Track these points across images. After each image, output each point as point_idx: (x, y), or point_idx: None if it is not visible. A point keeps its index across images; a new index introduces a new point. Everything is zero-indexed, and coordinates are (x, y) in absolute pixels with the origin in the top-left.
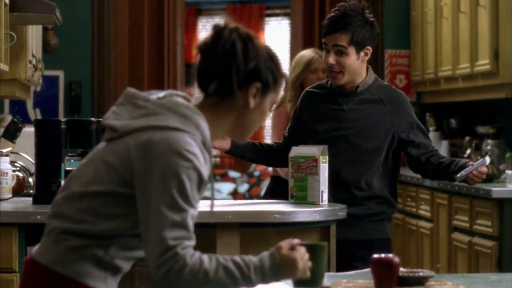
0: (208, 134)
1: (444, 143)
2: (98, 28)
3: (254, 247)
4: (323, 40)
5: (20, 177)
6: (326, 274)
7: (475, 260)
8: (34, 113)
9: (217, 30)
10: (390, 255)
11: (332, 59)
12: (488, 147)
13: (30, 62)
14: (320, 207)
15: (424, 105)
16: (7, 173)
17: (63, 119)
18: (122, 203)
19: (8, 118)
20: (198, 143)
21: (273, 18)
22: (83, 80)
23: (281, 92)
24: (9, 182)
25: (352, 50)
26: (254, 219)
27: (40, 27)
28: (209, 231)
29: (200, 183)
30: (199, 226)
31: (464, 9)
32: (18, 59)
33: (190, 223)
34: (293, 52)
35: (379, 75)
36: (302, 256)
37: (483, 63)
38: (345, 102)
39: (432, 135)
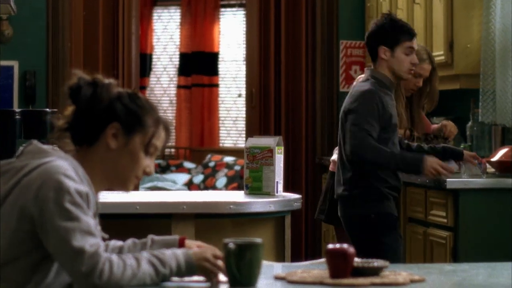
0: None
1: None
2: (53, 18)
3: (209, 238)
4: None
5: None
6: (281, 264)
7: (429, 251)
8: None
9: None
10: (345, 245)
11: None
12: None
13: None
14: (275, 198)
15: None
16: None
17: (17, 110)
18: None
19: None
20: (70, 164)
21: (228, 9)
22: (37, 71)
23: (162, 135)
24: None
25: None
26: (209, 209)
27: None
28: (165, 222)
29: (83, 195)
30: (154, 216)
31: (419, 0)
32: None
33: (96, 232)
34: (248, 44)
35: (334, 66)
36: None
37: (438, 54)
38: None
39: None
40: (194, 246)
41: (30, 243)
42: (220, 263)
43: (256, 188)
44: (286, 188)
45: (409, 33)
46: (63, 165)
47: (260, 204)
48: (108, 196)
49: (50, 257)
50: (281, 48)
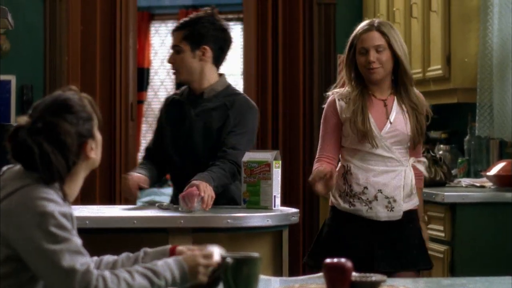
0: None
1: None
2: (50, 32)
3: None
4: None
5: None
6: (279, 278)
7: None
8: None
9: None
10: (343, 259)
11: None
12: (440, 152)
13: None
14: (273, 212)
15: None
16: None
17: (15, 124)
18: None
19: None
20: (50, 188)
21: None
22: (34, 85)
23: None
24: None
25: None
26: (206, 224)
27: None
28: (161, 236)
29: (67, 216)
30: (151, 231)
31: (416, 14)
32: None
33: (84, 250)
34: (246, 57)
35: (331, 80)
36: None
37: (435, 68)
38: (193, 107)
39: None
40: (186, 251)
41: (13, 267)
42: (213, 261)
43: (253, 202)
44: (284, 202)
45: None
46: (43, 188)
47: (257, 218)
48: (105, 211)
49: (34, 278)
50: (278, 62)
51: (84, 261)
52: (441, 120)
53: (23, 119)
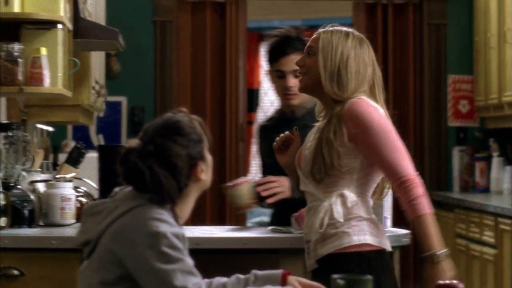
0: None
1: (508, 169)
2: (161, 54)
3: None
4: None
5: (84, 202)
6: None
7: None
8: (97, 139)
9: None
10: (455, 281)
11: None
12: None
13: (93, 88)
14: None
15: (487, 130)
16: (70, 198)
17: (125, 145)
18: None
19: (72, 144)
20: (162, 208)
21: None
22: (145, 106)
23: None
24: (73, 208)
25: None
26: None
27: (103, 53)
28: (272, 257)
29: (179, 237)
30: (261, 251)
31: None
32: (82, 85)
33: (196, 270)
34: None
35: (441, 101)
36: None
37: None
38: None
39: (496, 160)
40: (296, 283)
41: (126, 286)
42: None
43: None
44: (394, 224)
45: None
46: (156, 209)
47: None
48: (215, 232)
49: None
50: (388, 83)
51: (196, 281)
52: None
53: (134, 142)
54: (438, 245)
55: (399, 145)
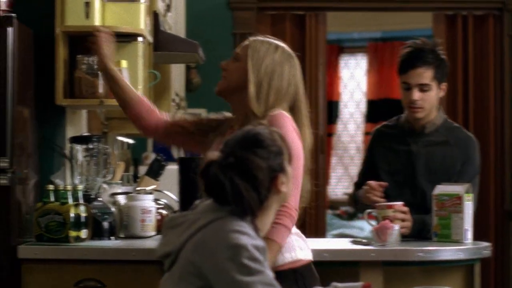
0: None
1: None
2: None
3: (397, 286)
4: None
5: (164, 214)
6: None
7: None
8: (177, 151)
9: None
10: None
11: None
12: None
13: (173, 100)
14: (464, 246)
15: None
16: (150, 210)
17: (206, 157)
18: None
19: (152, 156)
20: (243, 221)
21: None
22: None
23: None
24: (153, 220)
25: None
26: (397, 257)
27: (183, 66)
28: (352, 269)
29: (260, 249)
30: (341, 264)
31: None
32: (162, 97)
33: (276, 283)
34: None
35: None
36: None
37: None
38: (414, 143)
39: None
40: None
41: None
42: None
43: (444, 235)
44: (475, 236)
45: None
46: (236, 221)
47: (449, 251)
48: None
49: None
50: (468, 94)
51: None
52: None
53: (215, 154)
54: None
55: (299, 174)
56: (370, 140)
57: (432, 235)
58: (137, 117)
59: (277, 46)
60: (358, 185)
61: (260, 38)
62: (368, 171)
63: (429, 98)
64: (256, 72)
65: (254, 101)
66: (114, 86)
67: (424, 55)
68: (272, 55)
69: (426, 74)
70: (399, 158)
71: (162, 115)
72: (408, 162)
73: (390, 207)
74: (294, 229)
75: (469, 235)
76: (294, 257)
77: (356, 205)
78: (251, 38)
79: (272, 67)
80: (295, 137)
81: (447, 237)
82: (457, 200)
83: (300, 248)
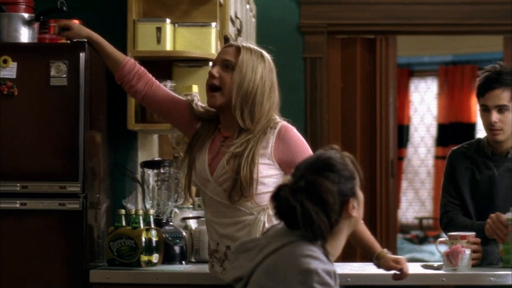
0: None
1: None
2: (311, 90)
3: None
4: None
5: None
6: None
7: None
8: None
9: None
10: None
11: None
12: None
13: None
14: None
15: None
16: None
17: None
18: None
19: None
20: (314, 245)
21: None
22: None
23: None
24: None
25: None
26: (469, 281)
27: None
28: None
29: (331, 274)
30: None
31: None
32: None
33: None
34: None
35: None
36: None
37: None
38: (496, 167)
39: None
40: None
41: None
42: None
43: (506, 261)
44: None
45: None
46: (307, 245)
47: None
48: (366, 268)
49: None
50: None
51: None
52: None
53: (286, 178)
54: None
55: None
56: (449, 161)
57: (498, 260)
58: (123, 80)
59: (261, 54)
60: (449, 205)
61: (247, 44)
62: (453, 191)
63: (508, 119)
64: (250, 83)
65: (246, 114)
66: (102, 50)
67: (502, 77)
68: (262, 64)
69: (503, 95)
70: (481, 182)
71: (153, 81)
72: (490, 186)
73: (463, 237)
74: None
75: None
76: None
77: (449, 228)
78: (241, 44)
79: (264, 77)
80: (308, 147)
81: (508, 262)
82: None
83: None
